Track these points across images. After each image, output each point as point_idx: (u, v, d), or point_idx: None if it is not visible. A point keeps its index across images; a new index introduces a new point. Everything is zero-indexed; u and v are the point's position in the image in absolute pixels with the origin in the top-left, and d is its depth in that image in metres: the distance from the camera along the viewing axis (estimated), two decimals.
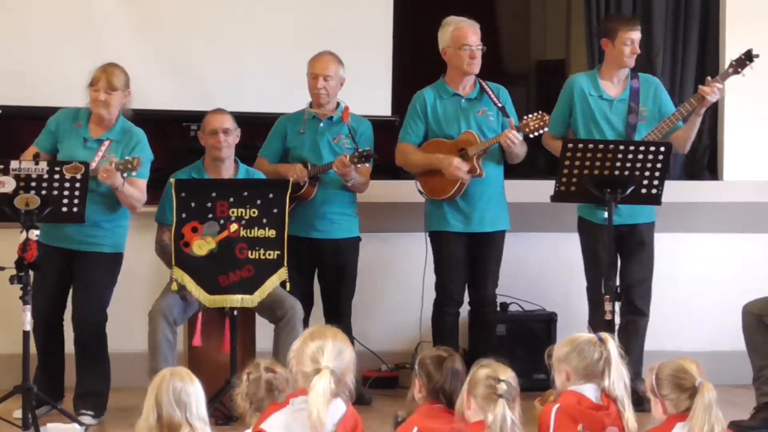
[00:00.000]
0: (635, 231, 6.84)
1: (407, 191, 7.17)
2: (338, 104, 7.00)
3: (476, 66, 6.89)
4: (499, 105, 6.91)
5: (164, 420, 3.89)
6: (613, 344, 4.48)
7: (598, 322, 6.49)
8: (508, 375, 4.17)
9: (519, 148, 6.81)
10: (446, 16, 7.03)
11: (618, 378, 4.45)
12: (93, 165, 6.34)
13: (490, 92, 6.94)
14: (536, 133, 6.75)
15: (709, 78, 6.69)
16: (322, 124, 6.97)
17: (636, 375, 6.27)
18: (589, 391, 4.47)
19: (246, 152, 7.04)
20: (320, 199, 6.91)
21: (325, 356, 4.11)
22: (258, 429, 4.14)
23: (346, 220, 7.00)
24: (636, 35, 6.84)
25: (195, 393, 3.93)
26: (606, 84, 6.93)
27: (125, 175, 6.33)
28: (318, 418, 4.00)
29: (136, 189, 6.43)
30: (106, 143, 6.48)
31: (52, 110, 6.68)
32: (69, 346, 6.68)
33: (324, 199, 6.92)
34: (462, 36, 6.87)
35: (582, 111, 6.91)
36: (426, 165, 6.90)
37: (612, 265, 6.60)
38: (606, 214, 6.39)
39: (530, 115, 6.76)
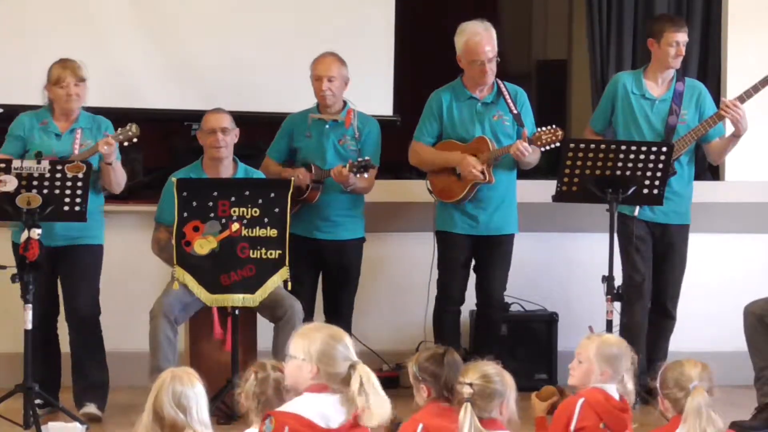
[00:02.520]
0: (666, 232, 6.91)
1: (411, 191, 7.17)
2: (345, 103, 6.99)
3: (490, 77, 6.82)
4: (515, 112, 6.87)
5: (166, 423, 3.87)
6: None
7: (629, 317, 6.52)
8: (475, 378, 4.15)
9: (530, 157, 6.78)
10: (447, 15, 7.02)
11: (630, 380, 4.51)
12: (75, 152, 6.39)
13: (507, 96, 6.88)
14: (548, 147, 6.70)
15: (725, 100, 6.74)
16: (327, 126, 6.94)
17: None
18: (614, 390, 4.50)
19: (246, 152, 7.03)
20: (324, 202, 6.89)
21: (352, 352, 4.15)
22: (270, 412, 4.13)
23: (351, 222, 6.98)
24: (682, 37, 6.85)
25: (196, 396, 3.90)
26: (650, 84, 6.93)
27: (126, 144, 6.38)
28: (382, 406, 4.05)
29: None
30: (79, 132, 6.50)
31: None
32: (67, 345, 6.68)
33: (328, 203, 6.90)
34: (473, 52, 6.76)
35: (623, 109, 6.93)
36: (441, 163, 6.87)
37: (649, 259, 6.71)
38: (637, 210, 6.56)
39: (544, 128, 6.70)
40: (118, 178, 6.50)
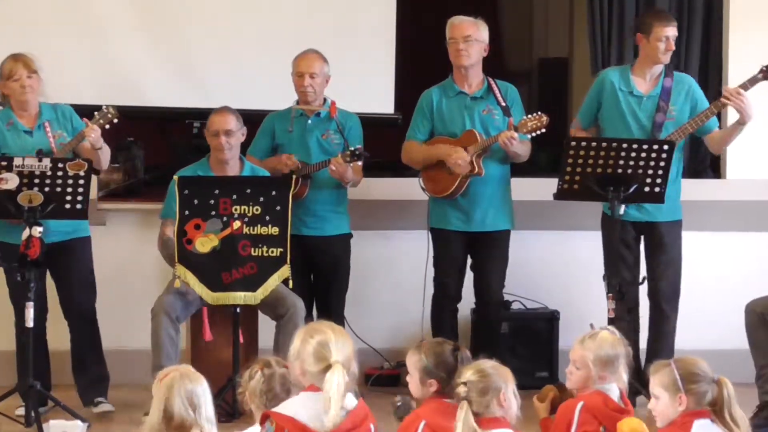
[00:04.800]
0: (655, 229, 6.82)
1: (410, 189, 7.17)
2: (325, 100, 7.00)
3: (464, 58, 6.85)
4: (504, 104, 6.89)
5: (175, 422, 3.86)
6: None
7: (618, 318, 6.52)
8: (469, 375, 4.14)
9: (519, 148, 6.79)
10: (448, 14, 7.03)
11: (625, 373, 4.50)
12: (53, 146, 6.40)
13: (497, 91, 6.92)
14: (534, 134, 6.72)
15: (727, 87, 6.68)
16: (310, 121, 6.97)
17: None
18: (614, 392, 4.49)
19: (244, 150, 7.02)
20: (311, 197, 6.91)
21: (333, 351, 4.10)
22: (268, 413, 4.13)
23: (337, 217, 7.00)
24: (671, 31, 6.78)
25: (204, 394, 3.91)
26: (637, 80, 6.87)
27: (107, 126, 6.40)
28: (336, 413, 4.00)
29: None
30: (47, 124, 6.50)
31: None
32: (67, 343, 6.70)
33: (315, 198, 6.92)
34: (449, 31, 6.88)
35: (610, 106, 6.87)
36: (429, 157, 6.90)
37: (635, 261, 6.63)
38: (622, 209, 6.46)
39: (528, 116, 6.73)
40: (107, 155, 6.53)
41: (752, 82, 6.65)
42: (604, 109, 6.91)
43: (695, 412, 4.21)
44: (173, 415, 3.84)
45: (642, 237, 6.88)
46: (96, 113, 6.44)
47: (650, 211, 6.76)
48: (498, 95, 6.91)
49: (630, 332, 6.61)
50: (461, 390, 4.12)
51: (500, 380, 4.16)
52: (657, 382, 4.28)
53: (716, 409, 4.20)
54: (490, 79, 6.97)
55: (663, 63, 6.85)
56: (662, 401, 4.27)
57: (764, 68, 6.66)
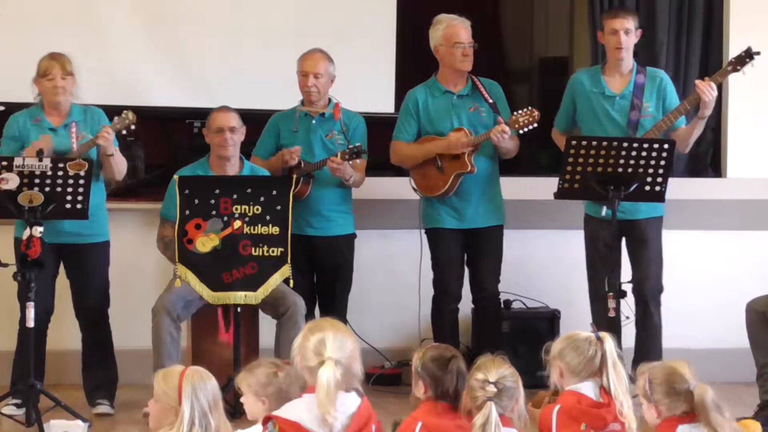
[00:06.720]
0: (635, 227, 6.78)
1: (409, 188, 7.17)
2: (330, 100, 7.01)
3: (469, 63, 6.89)
4: (491, 101, 6.91)
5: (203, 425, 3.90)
6: (611, 344, 4.45)
7: (599, 318, 6.51)
8: (498, 375, 4.15)
9: (509, 144, 6.80)
10: (450, 12, 7.03)
11: (617, 379, 4.43)
12: (74, 147, 6.38)
13: (482, 88, 6.94)
14: (526, 129, 6.72)
15: (706, 77, 6.66)
16: (314, 121, 6.97)
17: None
18: (588, 389, 4.45)
19: (247, 149, 7.04)
20: (315, 197, 6.91)
21: (328, 348, 4.09)
22: (270, 416, 4.13)
23: (342, 217, 7.00)
24: (620, 24, 6.67)
25: (214, 389, 4.02)
26: (609, 80, 6.84)
27: (124, 132, 6.39)
28: (326, 410, 4.00)
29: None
30: (74, 125, 6.48)
31: None
32: (70, 343, 6.70)
33: (319, 197, 6.92)
34: (454, 34, 6.86)
35: (584, 108, 6.86)
36: (424, 155, 6.90)
37: (616, 262, 6.61)
38: (604, 210, 6.42)
39: (520, 111, 6.74)
40: (119, 166, 6.52)
41: (723, 74, 6.64)
42: (579, 111, 6.89)
43: (678, 418, 4.20)
44: (197, 414, 3.89)
45: (623, 236, 6.79)
46: (115, 118, 6.44)
47: (629, 209, 6.70)
48: (484, 92, 6.92)
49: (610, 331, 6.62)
50: (489, 389, 4.11)
51: (519, 384, 4.19)
52: (638, 388, 4.31)
53: (697, 414, 4.19)
54: (473, 77, 6.98)
55: (617, 59, 6.75)
56: (644, 407, 4.29)
57: (733, 60, 6.65)
